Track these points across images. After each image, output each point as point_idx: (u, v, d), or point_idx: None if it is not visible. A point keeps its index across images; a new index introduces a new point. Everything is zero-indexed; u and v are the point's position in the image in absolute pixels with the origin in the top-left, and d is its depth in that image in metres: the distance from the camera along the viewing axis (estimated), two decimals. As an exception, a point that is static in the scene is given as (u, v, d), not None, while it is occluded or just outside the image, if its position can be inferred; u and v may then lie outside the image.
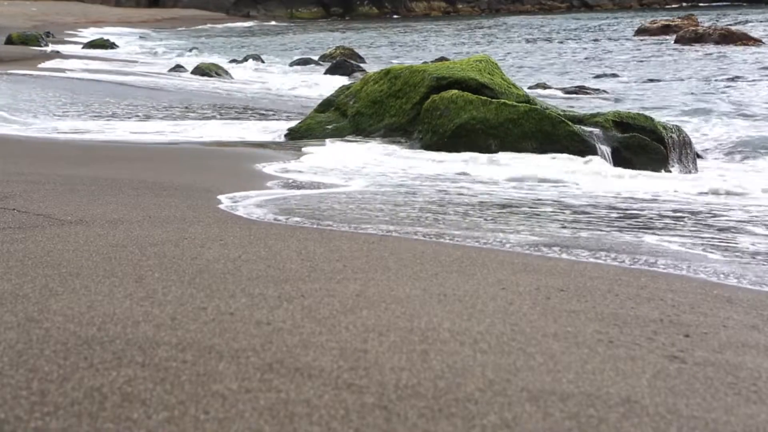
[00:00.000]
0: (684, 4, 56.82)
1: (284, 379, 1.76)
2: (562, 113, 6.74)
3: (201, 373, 1.77)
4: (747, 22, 33.05)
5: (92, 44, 25.57)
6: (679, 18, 29.33)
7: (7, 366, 1.75)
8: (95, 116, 8.97)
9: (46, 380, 1.69)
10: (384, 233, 3.50)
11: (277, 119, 9.69)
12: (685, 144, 6.83)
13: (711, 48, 21.27)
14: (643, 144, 6.42)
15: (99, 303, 2.21)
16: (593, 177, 5.75)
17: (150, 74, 15.70)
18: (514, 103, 6.67)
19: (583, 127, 6.50)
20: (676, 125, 7.13)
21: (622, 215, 4.45)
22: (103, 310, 2.14)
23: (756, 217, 4.55)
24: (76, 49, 24.13)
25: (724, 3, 54.38)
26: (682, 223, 4.29)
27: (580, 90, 13.49)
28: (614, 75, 16.16)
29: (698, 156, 7.27)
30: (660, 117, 7.78)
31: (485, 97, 6.79)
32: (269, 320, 2.13)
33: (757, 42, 22.01)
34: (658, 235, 3.90)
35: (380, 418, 1.61)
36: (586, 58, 20.99)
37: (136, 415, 1.57)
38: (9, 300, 2.20)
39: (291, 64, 20.63)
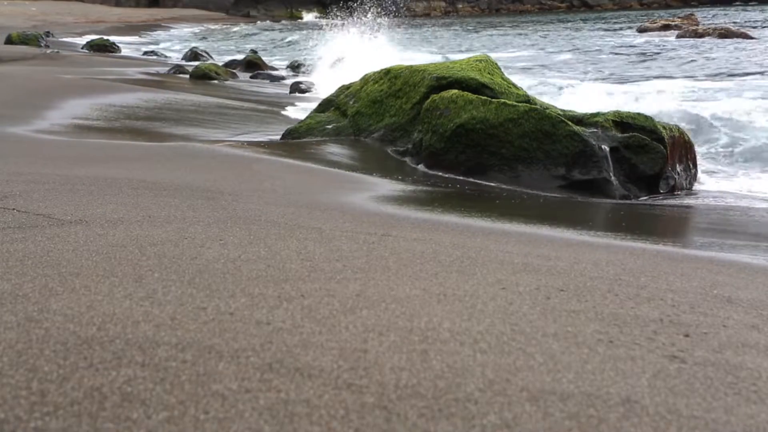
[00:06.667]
0: (693, 3, 56.87)
1: (284, 379, 1.76)
2: (561, 113, 6.73)
3: (201, 373, 1.77)
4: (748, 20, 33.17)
5: (92, 45, 25.47)
6: (679, 17, 29.42)
7: (7, 366, 1.75)
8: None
9: (46, 380, 1.69)
10: (384, 233, 3.50)
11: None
12: (686, 144, 6.82)
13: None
14: (642, 144, 6.41)
15: (99, 303, 2.21)
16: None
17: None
18: (514, 103, 6.66)
19: (583, 128, 6.50)
20: (677, 125, 7.12)
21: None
22: (103, 310, 2.14)
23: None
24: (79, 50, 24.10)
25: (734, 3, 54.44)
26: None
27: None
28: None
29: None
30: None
31: (485, 97, 6.79)
32: (269, 320, 2.13)
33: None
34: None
35: (380, 418, 1.61)
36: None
37: (136, 415, 1.57)
38: (9, 300, 2.20)
39: (289, 66, 20.61)
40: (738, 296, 2.78)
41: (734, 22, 31.61)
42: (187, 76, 16.12)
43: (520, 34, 33.62)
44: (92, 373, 1.74)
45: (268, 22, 54.54)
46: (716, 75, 15.47)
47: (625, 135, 6.50)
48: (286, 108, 11.69)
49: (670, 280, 2.94)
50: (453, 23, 46.78)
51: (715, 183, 6.93)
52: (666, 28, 29.26)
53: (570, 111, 7.02)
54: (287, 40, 33.11)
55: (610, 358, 2.02)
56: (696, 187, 6.75)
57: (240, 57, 21.98)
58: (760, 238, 4.66)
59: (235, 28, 43.66)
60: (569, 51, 23.84)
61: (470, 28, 40.49)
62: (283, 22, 54.81)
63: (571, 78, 15.62)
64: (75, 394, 1.64)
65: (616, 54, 21.79)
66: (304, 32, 33.41)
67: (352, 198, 4.67)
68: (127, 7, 61.22)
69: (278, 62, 21.88)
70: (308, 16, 57.90)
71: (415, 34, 35.77)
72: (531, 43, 28.02)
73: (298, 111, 11.15)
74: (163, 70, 17.30)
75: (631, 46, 24.12)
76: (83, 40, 28.36)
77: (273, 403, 1.65)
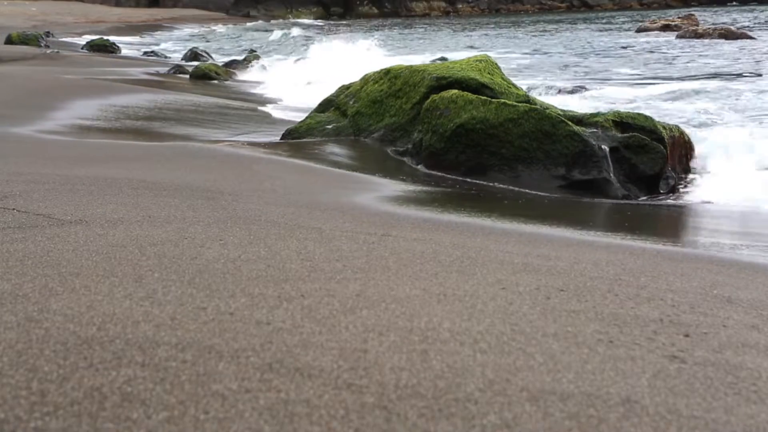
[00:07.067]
0: (693, 3, 56.97)
1: (284, 379, 1.76)
2: (561, 113, 6.73)
3: (201, 373, 1.77)
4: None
5: (93, 45, 25.40)
6: (679, 18, 29.45)
7: (7, 366, 1.75)
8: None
9: (46, 380, 1.69)
10: (384, 233, 3.50)
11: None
12: (686, 144, 6.82)
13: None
14: (642, 144, 6.41)
15: (99, 303, 2.21)
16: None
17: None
18: (514, 103, 6.65)
19: (583, 128, 6.50)
20: (677, 125, 7.12)
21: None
22: (103, 310, 2.14)
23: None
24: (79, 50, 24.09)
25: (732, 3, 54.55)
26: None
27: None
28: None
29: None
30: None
31: (485, 97, 6.78)
32: (269, 320, 2.13)
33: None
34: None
35: (380, 418, 1.61)
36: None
37: (136, 415, 1.57)
38: (9, 300, 2.20)
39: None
40: (738, 296, 2.79)
41: (735, 23, 31.63)
42: (187, 76, 16.11)
43: (520, 35, 33.66)
44: (92, 373, 1.74)
45: (260, 22, 54.90)
46: (714, 76, 15.48)
47: (625, 135, 6.50)
48: (266, 105, 11.70)
49: (670, 280, 2.94)
50: (453, 23, 46.85)
51: (715, 183, 6.93)
52: (666, 28, 29.28)
53: (570, 111, 7.02)
54: (283, 39, 33.18)
55: (610, 358, 2.02)
56: (695, 187, 6.74)
57: (240, 57, 21.96)
58: (760, 237, 4.66)
59: (222, 29, 43.70)
60: (568, 51, 23.87)
61: (470, 28, 40.55)
62: (272, 22, 55.20)
63: (570, 79, 15.63)
64: (75, 394, 1.64)
65: (615, 56, 21.81)
66: (304, 32, 33.46)
67: (352, 198, 4.67)
68: (127, 7, 61.24)
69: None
70: (302, 17, 58.27)
71: (415, 34, 35.82)
72: (530, 44, 28.04)
73: (277, 109, 11.21)
74: (163, 70, 17.28)
75: (630, 47, 24.15)
76: (83, 40, 28.31)
77: (273, 403, 1.65)
